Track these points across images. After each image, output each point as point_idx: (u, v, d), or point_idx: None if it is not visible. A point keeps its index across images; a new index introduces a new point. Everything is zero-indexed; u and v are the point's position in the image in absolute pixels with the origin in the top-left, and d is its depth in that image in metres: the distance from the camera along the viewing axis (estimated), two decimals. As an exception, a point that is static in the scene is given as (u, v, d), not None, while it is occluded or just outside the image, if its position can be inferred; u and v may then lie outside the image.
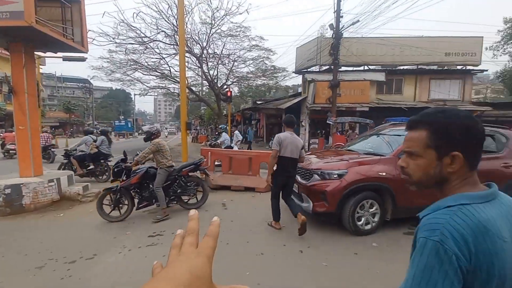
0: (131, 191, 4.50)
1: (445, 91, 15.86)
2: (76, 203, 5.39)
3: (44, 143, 9.88)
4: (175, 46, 14.48)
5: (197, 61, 16.05)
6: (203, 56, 15.82)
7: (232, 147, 9.28)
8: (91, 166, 7.31)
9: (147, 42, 14.44)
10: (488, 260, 0.62)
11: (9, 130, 15.36)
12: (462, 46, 15.22)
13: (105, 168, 7.44)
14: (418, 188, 0.82)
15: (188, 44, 14.98)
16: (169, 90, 18.75)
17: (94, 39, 12.63)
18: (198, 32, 15.11)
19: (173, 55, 15.32)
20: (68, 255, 3.25)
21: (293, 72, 17.78)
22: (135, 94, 33.36)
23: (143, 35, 14.13)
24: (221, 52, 16.05)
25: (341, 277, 2.83)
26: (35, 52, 5.37)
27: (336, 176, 3.74)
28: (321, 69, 15.98)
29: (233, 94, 18.53)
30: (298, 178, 4.18)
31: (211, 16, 14.22)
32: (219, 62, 16.40)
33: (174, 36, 14.05)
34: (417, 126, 0.80)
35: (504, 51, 21.87)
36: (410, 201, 3.61)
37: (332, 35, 12.20)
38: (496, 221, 0.65)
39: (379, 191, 3.74)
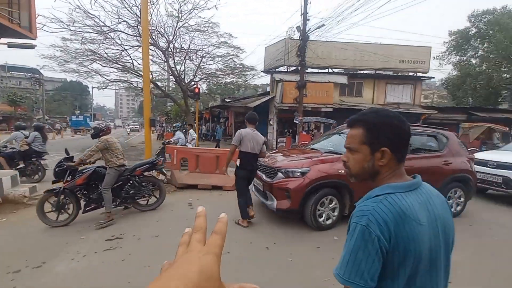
0: (77, 193, 4.10)
1: (399, 95, 17.32)
2: (21, 206, 4.84)
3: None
4: (138, 37, 13.69)
5: (162, 55, 15.37)
6: (169, 50, 15.20)
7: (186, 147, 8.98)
8: (21, 165, 6.55)
9: (107, 32, 13.43)
10: (405, 241, 0.72)
11: None
12: (413, 54, 16.75)
13: (38, 167, 6.80)
14: (356, 180, 0.91)
15: (153, 37, 14.27)
16: (131, 84, 17.68)
17: (44, 25, 11.41)
18: (164, 25, 14.46)
19: (137, 47, 14.46)
20: (11, 264, 2.91)
21: (261, 71, 17.95)
22: (93, 87, 30.87)
23: (102, 24, 13.11)
24: (189, 47, 15.58)
25: (306, 270, 2.96)
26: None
27: (299, 174, 3.86)
28: (288, 70, 16.37)
29: (201, 91, 18.13)
30: (263, 176, 4.26)
31: (178, 9, 13.71)
32: (187, 57, 15.91)
33: (137, 27, 13.26)
34: (355, 124, 0.90)
35: (449, 60, 24.58)
36: (366, 196, 3.90)
37: (299, 37, 12.58)
38: (415, 207, 0.75)
39: (339, 188, 3.96)
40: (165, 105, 33.40)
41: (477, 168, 5.30)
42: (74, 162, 4.13)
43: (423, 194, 0.81)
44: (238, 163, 4.00)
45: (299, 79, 13.48)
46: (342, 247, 0.79)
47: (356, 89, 17.27)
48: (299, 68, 13.42)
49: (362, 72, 17.18)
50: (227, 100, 20.88)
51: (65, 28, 12.66)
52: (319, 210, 3.91)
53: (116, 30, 13.55)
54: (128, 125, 46.67)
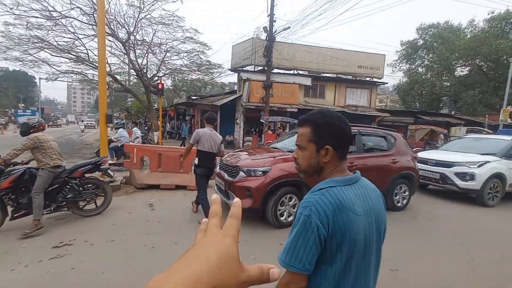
0: (3, 198, 3.61)
1: (357, 98, 18.56)
2: None
3: None
4: (94, 26, 12.65)
5: (122, 47, 14.41)
6: (130, 42, 14.32)
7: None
8: None
9: (57, 18, 12.18)
10: (342, 229, 0.81)
11: None
12: (370, 61, 18.07)
13: None
14: (305, 176, 0.99)
15: (111, 27, 13.31)
16: (86, 76, 16.27)
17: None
18: (124, 15, 13.59)
19: (92, 37, 13.35)
20: None
21: (228, 69, 17.84)
22: (40, 78, 27.66)
23: (51, 9, 11.85)
24: (151, 40, 14.85)
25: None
26: None
27: (261, 173, 3.93)
28: (255, 69, 16.52)
29: (165, 87, 17.41)
30: (225, 175, 4.26)
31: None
32: (149, 50, 15.14)
33: (93, 14, 12.24)
34: (303, 124, 0.98)
35: (400, 68, 27.05)
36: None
37: (266, 37, 12.78)
38: (352, 199, 0.85)
39: (298, 186, 4.11)
40: (126, 101, 31.39)
41: (420, 166, 5.94)
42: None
43: (360, 188, 0.90)
44: (196, 161, 4.08)
45: (265, 79, 13.69)
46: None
47: (320, 91, 18.08)
48: (266, 68, 13.63)
49: (325, 75, 18.04)
50: (193, 98, 20.33)
51: (7, 11, 11.21)
52: (279, 209, 4.03)
53: (69, 17, 12.37)
54: (82, 120, 42.86)
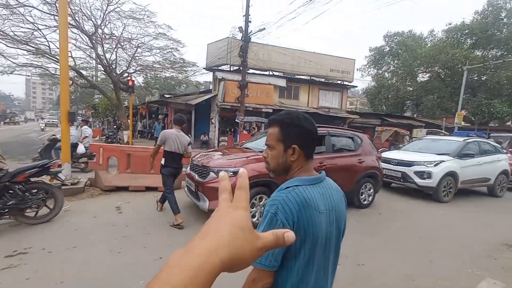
0: None
1: (329, 100, 19.26)
2: None
3: None
4: (56, 16, 11.76)
5: (89, 41, 13.57)
6: (98, 35, 13.53)
7: (77, 145, 7.35)
8: None
9: (14, 6, 11.15)
10: (306, 226, 0.85)
11: None
12: (341, 65, 18.85)
13: None
14: (275, 175, 1.03)
15: (76, 18, 12.48)
16: (47, 70, 15.08)
17: None
18: (91, 7, 12.82)
19: (55, 28, 12.41)
20: None
21: (203, 68, 17.56)
22: (-8, 71, 25.07)
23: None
24: (121, 34, 14.17)
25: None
26: None
27: (232, 173, 3.85)
28: (231, 69, 16.45)
29: (136, 84, 16.70)
30: (196, 176, 4.20)
31: (109, -9, 12.33)
32: (118, 45, 14.42)
33: (55, 4, 11.38)
34: (273, 124, 1.01)
35: (368, 73, 28.58)
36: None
37: (242, 37, 12.78)
38: (316, 198, 0.89)
39: (269, 186, 4.16)
40: (92, 97, 29.57)
41: (383, 165, 6.33)
42: None
43: (324, 187, 0.95)
44: (163, 162, 4.10)
45: (241, 79, 13.69)
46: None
47: (294, 92, 18.47)
48: (241, 68, 13.63)
49: (299, 77, 18.47)
50: (167, 96, 19.72)
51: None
52: (251, 211, 4.05)
53: (27, 6, 11.38)
54: (43, 118, 39.58)
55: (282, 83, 17.28)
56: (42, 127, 26.78)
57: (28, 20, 11.79)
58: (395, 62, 25.94)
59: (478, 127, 20.24)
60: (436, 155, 6.61)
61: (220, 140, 16.11)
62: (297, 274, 0.86)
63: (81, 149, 7.35)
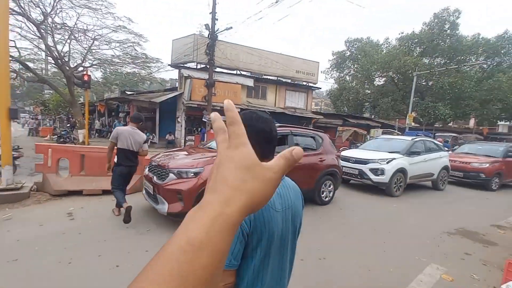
0: None
1: (295, 101, 19.87)
2: None
3: None
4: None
5: (37, 30, 12.21)
6: (47, 25, 12.25)
7: None
8: None
9: None
10: (262, 224, 0.87)
11: None
12: (306, 67, 19.56)
13: None
14: None
15: (21, 4, 11.17)
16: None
17: None
18: (38, -8, 11.55)
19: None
20: None
21: (168, 65, 16.91)
22: None
23: None
24: (75, 24, 13.01)
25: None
26: None
27: (193, 174, 3.78)
28: (197, 67, 16.08)
29: (93, 79, 15.48)
30: (154, 177, 4.03)
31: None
32: (72, 37, 13.22)
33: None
34: None
35: (331, 75, 30.08)
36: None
37: (208, 35, 12.56)
38: (273, 197, 0.91)
39: None
40: (42, 93, 26.72)
41: (342, 163, 6.72)
42: None
43: (282, 187, 0.97)
44: (115, 159, 4.06)
45: (208, 77, 13.44)
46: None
47: (262, 92, 18.69)
48: (208, 66, 13.39)
49: (266, 77, 18.74)
50: (128, 93, 18.59)
51: None
52: None
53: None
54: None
55: (250, 82, 17.38)
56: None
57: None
58: (355, 66, 27.72)
59: (426, 128, 22.55)
60: (388, 153, 7.20)
61: (187, 139, 15.67)
62: (253, 272, 0.88)
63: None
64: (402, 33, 25.08)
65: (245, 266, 0.88)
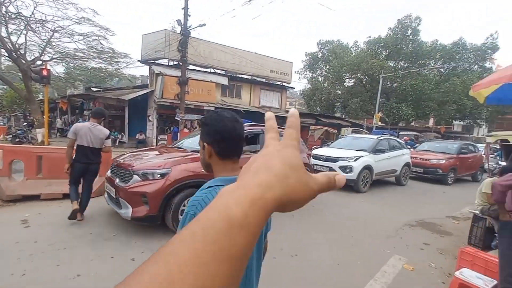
0: None
1: (270, 100, 20.08)
2: None
3: None
4: None
5: (-16, 18, 11.00)
6: (0, 14, 11.08)
7: None
8: None
9: None
10: None
11: None
12: (280, 66, 19.84)
13: None
14: (206, 172, 1.04)
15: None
16: None
17: None
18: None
19: None
20: None
21: (138, 60, 16.16)
22: None
23: None
24: (32, 14, 11.92)
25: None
26: None
27: (160, 176, 3.59)
28: (170, 64, 15.57)
29: (54, 74, 14.33)
30: (117, 180, 3.81)
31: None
32: (28, 27, 12.10)
33: None
34: (201, 123, 1.04)
35: (305, 76, 30.81)
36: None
37: (181, 31, 12.20)
38: None
39: None
40: (-8, 88, 24.12)
41: (314, 161, 6.92)
42: None
43: None
44: (74, 156, 3.96)
45: (180, 75, 13.07)
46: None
47: (236, 91, 18.62)
48: (181, 63, 13.02)
49: (240, 76, 18.70)
50: (94, 89, 17.46)
51: None
52: (181, 215, 3.87)
53: None
54: None
55: (224, 81, 17.22)
56: None
57: None
58: (327, 67, 28.66)
59: (391, 127, 24.01)
60: (356, 151, 7.55)
61: (159, 139, 15.12)
62: None
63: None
64: (370, 37, 26.47)
65: None
